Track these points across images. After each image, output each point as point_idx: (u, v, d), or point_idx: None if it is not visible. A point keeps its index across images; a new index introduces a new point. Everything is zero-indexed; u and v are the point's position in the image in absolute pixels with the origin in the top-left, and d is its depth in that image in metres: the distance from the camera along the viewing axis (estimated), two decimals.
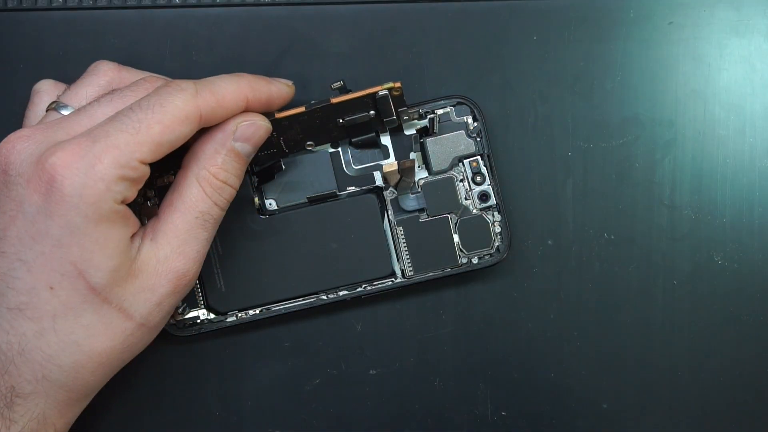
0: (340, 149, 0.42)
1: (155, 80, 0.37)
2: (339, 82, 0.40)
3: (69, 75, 0.43)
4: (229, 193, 0.37)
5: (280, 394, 0.43)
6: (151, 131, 0.34)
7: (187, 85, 0.35)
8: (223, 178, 0.37)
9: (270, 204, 0.42)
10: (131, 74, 0.39)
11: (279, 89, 0.39)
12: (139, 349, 0.37)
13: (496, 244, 0.41)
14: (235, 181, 0.37)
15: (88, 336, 0.35)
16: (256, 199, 0.41)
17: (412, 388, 0.43)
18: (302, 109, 0.39)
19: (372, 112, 0.40)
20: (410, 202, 0.41)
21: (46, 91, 0.40)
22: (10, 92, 0.43)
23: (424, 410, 0.43)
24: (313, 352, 0.43)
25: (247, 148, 0.38)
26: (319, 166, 0.42)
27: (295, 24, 0.43)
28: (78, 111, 0.36)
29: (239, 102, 0.37)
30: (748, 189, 0.43)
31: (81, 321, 0.34)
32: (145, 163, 0.35)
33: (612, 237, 0.43)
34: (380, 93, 0.39)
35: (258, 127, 0.38)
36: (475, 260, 0.42)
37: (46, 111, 0.38)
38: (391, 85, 0.39)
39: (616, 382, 0.43)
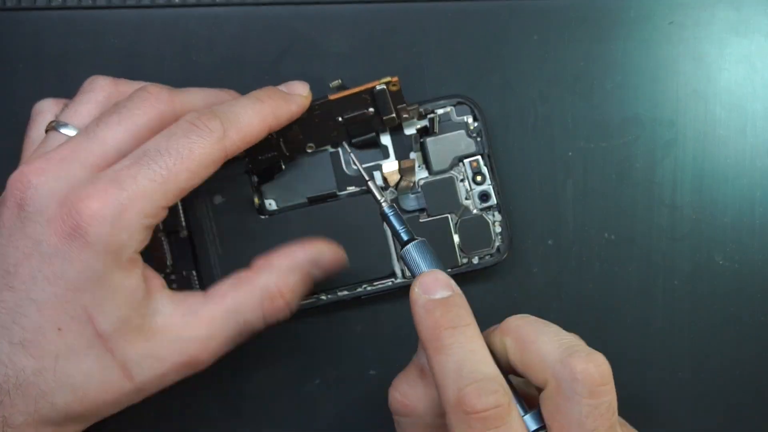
0: (340, 149, 0.42)
1: (156, 89, 0.37)
2: (337, 81, 0.40)
3: (68, 75, 0.43)
4: (284, 316, 0.37)
5: (280, 394, 0.43)
6: (178, 179, 0.34)
7: (215, 125, 0.35)
8: (289, 299, 0.37)
9: (270, 204, 0.41)
10: (128, 86, 0.38)
11: (299, 106, 0.38)
12: (126, 406, 0.36)
13: (497, 244, 0.41)
14: (296, 305, 0.37)
15: (85, 383, 0.34)
16: (256, 199, 0.41)
17: None
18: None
19: (371, 110, 0.40)
20: (410, 202, 0.41)
21: (48, 110, 0.39)
22: (9, 92, 0.43)
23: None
24: (312, 353, 0.43)
25: (318, 274, 0.38)
26: (319, 166, 0.42)
27: (295, 24, 0.43)
28: (86, 134, 0.35)
29: (263, 133, 0.37)
30: (748, 189, 0.43)
31: (82, 366, 0.34)
32: (167, 208, 0.34)
33: (612, 237, 0.43)
34: (378, 87, 0.39)
35: (337, 260, 0.38)
36: (475, 260, 0.41)
37: (46, 131, 0.38)
38: (388, 79, 0.39)
39: (617, 382, 0.43)
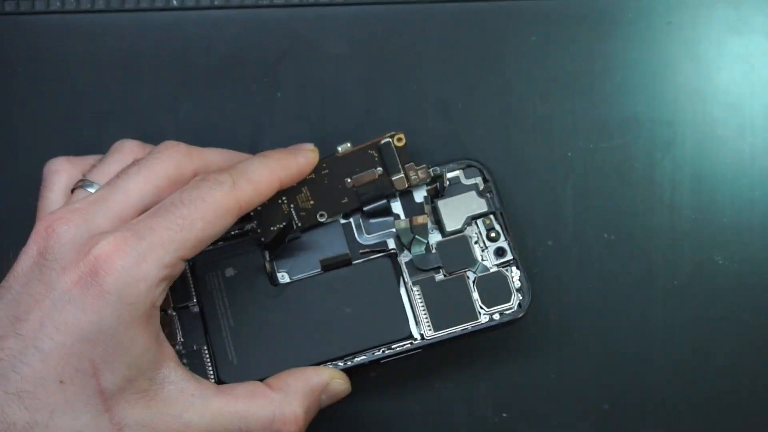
0: (351, 219, 0.41)
1: (174, 143, 0.37)
2: (347, 144, 0.40)
3: (68, 78, 0.43)
4: None
5: None
6: (194, 227, 0.34)
7: (224, 177, 0.35)
8: (301, 426, 0.36)
9: (282, 276, 0.41)
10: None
11: (306, 159, 0.39)
12: None
13: (518, 299, 0.40)
14: (304, 430, 0.37)
15: None
16: (267, 266, 0.40)
17: (412, 390, 0.43)
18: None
19: (379, 169, 0.40)
20: (426, 260, 0.41)
21: (63, 170, 0.39)
22: (9, 95, 0.43)
23: (425, 411, 0.43)
24: None
25: (324, 403, 0.38)
26: (331, 236, 0.41)
27: (294, 26, 0.43)
28: (110, 186, 0.35)
29: (274, 185, 0.37)
30: (748, 189, 0.43)
31: (76, 424, 0.33)
32: (185, 260, 0.34)
33: (612, 237, 0.43)
34: (383, 141, 0.40)
35: (344, 391, 0.38)
36: (496, 316, 0.40)
37: (73, 190, 0.37)
38: (392, 133, 0.40)
39: (616, 382, 0.43)
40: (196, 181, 0.35)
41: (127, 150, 0.38)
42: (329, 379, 0.38)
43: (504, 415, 0.43)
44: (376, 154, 0.40)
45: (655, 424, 0.43)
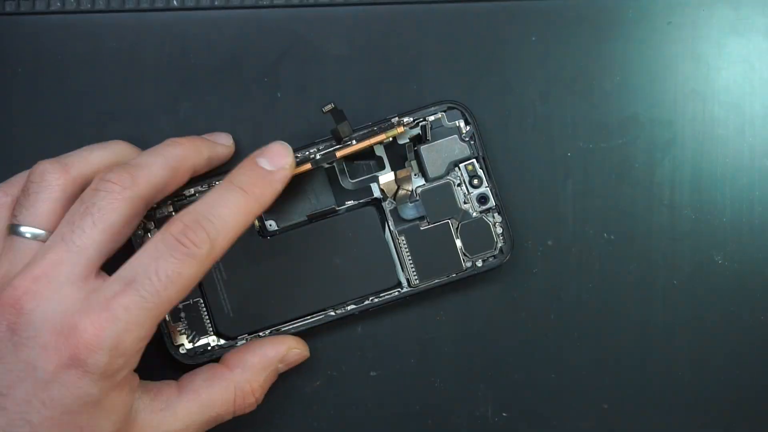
0: (335, 164, 0.42)
1: (117, 176, 0.36)
2: (329, 105, 0.40)
3: (68, 79, 0.43)
4: (251, 409, 0.40)
5: (281, 396, 0.43)
6: (170, 301, 0.34)
7: (202, 240, 0.34)
8: (258, 396, 0.39)
9: (270, 225, 0.41)
10: (78, 168, 0.38)
11: (283, 182, 0.38)
12: None
13: (499, 245, 0.41)
14: (261, 399, 0.40)
15: None
16: (256, 221, 0.41)
17: (412, 390, 0.43)
18: (308, 166, 0.40)
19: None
20: (409, 210, 0.41)
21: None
22: (9, 96, 0.43)
23: (425, 411, 0.43)
24: (313, 354, 0.43)
25: (282, 369, 0.40)
26: (316, 183, 0.42)
27: (294, 26, 0.43)
28: (64, 245, 0.35)
29: (248, 226, 0.37)
30: (748, 188, 0.43)
31: None
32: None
33: (612, 237, 0.43)
34: (384, 142, 0.40)
35: (301, 357, 0.41)
36: (479, 263, 0.41)
37: (9, 233, 0.37)
38: (394, 132, 0.40)
39: (616, 382, 0.43)
40: (172, 246, 0.34)
41: (52, 181, 0.37)
42: (286, 351, 0.40)
43: (504, 415, 0.43)
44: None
45: (655, 424, 0.43)
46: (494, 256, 0.41)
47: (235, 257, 0.41)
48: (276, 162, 0.38)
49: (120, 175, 0.36)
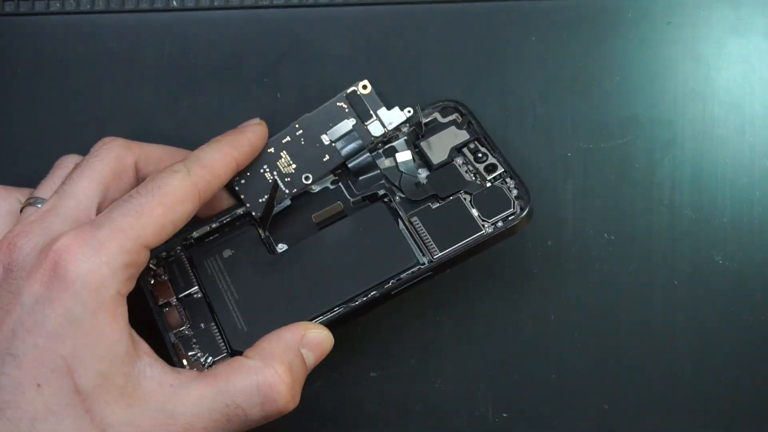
0: (340, 183, 0.41)
1: (111, 138, 0.38)
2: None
3: (68, 79, 0.43)
4: (285, 405, 0.36)
5: None
6: (153, 213, 0.34)
7: (178, 167, 0.36)
8: (291, 388, 0.35)
9: (281, 248, 0.40)
10: None
11: (255, 134, 0.39)
12: None
13: (519, 204, 0.39)
14: (298, 395, 0.36)
15: None
16: (262, 233, 0.40)
17: (412, 390, 0.43)
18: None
19: (352, 120, 0.40)
20: (421, 189, 0.40)
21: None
22: (9, 96, 0.43)
23: (425, 412, 0.43)
24: None
25: (310, 359, 0.37)
26: (323, 203, 0.41)
27: (294, 26, 0.43)
28: (58, 194, 0.36)
29: (229, 166, 0.38)
30: (747, 188, 0.43)
31: (58, 428, 0.32)
32: (149, 248, 0.34)
33: (612, 237, 0.43)
34: (348, 91, 0.40)
35: (324, 340, 0.37)
36: (500, 224, 0.39)
37: (22, 208, 0.38)
38: (357, 81, 0.40)
39: (616, 382, 0.43)
40: (152, 175, 0.36)
41: (69, 163, 0.39)
42: (303, 331, 0.37)
43: (504, 415, 0.43)
44: (345, 106, 0.40)
45: (655, 424, 0.43)
46: (515, 214, 0.39)
47: (246, 276, 0.40)
48: (245, 124, 0.40)
49: (111, 137, 0.38)
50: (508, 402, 0.43)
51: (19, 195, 0.39)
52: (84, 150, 0.42)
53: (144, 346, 0.35)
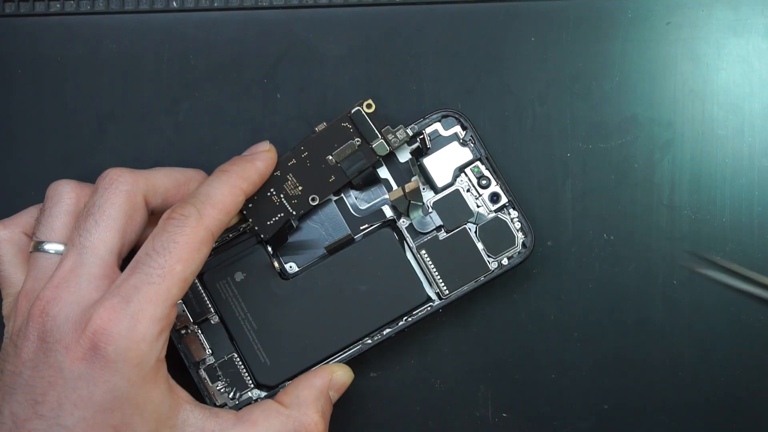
0: (343, 195, 0.42)
1: (116, 173, 0.37)
2: (322, 124, 0.40)
3: (67, 80, 0.43)
4: None
5: None
6: (175, 272, 0.34)
7: (189, 210, 0.36)
8: (322, 428, 0.38)
9: (291, 267, 0.41)
10: (91, 188, 0.38)
11: (264, 162, 0.39)
12: None
13: (521, 239, 0.41)
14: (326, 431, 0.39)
15: None
16: (276, 264, 0.41)
17: (412, 390, 0.43)
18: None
19: (357, 140, 0.40)
20: (426, 223, 0.41)
21: (3, 239, 0.39)
22: (9, 97, 0.43)
23: (425, 412, 0.43)
24: None
25: (335, 397, 0.40)
26: (329, 217, 0.42)
27: (293, 27, 0.43)
28: (74, 248, 0.36)
29: (239, 199, 0.38)
30: (747, 188, 0.43)
31: None
32: (176, 303, 0.35)
33: (612, 237, 0.43)
34: (353, 111, 0.40)
35: (348, 379, 0.40)
36: (505, 261, 0.41)
37: (31, 252, 0.37)
38: (361, 101, 0.40)
39: (616, 382, 0.43)
40: (162, 225, 0.35)
41: (64, 195, 0.38)
42: (330, 375, 0.39)
43: (504, 415, 0.43)
44: (350, 126, 0.40)
45: (655, 424, 0.43)
46: (519, 252, 0.41)
47: (261, 304, 0.41)
48: (255, 150, 0.40)
49: (116, 171, 0.37)
50: (508, 402, 0.43)
51: (21, 230, 0.39)
52: (83, 151, 0.43)
53: (184, 394, 0.36)
